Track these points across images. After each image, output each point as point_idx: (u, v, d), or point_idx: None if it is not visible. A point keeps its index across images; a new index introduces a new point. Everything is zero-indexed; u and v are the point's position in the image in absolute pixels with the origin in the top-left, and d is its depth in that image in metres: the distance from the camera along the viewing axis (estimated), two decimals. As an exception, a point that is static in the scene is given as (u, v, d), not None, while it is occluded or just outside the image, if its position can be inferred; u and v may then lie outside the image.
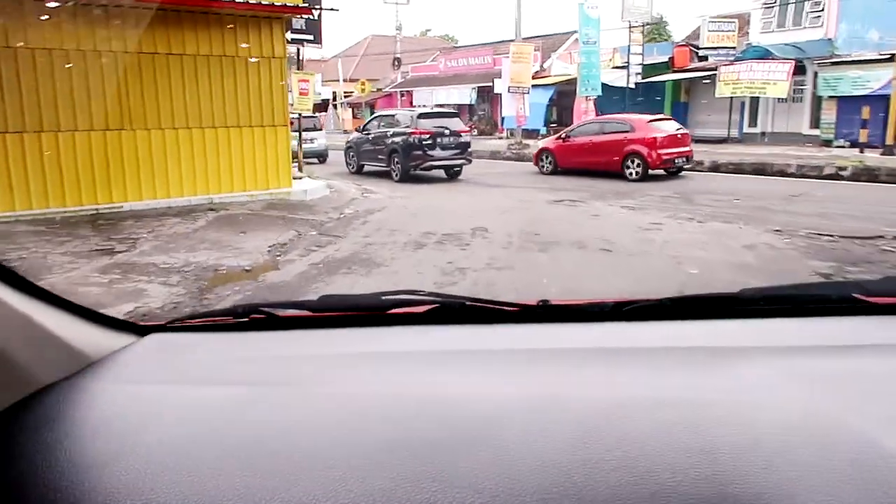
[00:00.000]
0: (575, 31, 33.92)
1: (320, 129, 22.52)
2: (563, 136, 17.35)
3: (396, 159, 16.03)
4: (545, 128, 30.86)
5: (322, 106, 45.67)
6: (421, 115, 16.35)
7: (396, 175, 16.08)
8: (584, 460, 0.74)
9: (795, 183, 14.37)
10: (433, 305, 1.24)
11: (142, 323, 1.28)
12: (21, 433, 0.86)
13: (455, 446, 0.79)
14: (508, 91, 20.96)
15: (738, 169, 16.14)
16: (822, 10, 23.55)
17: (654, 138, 15.14)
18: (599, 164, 15.77)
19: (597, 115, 19.96)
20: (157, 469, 0.78)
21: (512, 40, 22.09)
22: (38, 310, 1.02)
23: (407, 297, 1.28)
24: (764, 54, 23.89)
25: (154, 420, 0.90)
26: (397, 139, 15.92)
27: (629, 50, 25.18)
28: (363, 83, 31.98)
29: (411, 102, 40.17)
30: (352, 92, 47.76)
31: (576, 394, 0.91)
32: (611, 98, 23.89)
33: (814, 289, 1.45)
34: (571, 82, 29.73)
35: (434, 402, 0.91)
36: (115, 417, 0.92)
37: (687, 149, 15.76)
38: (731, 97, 25.02)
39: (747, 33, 26.10)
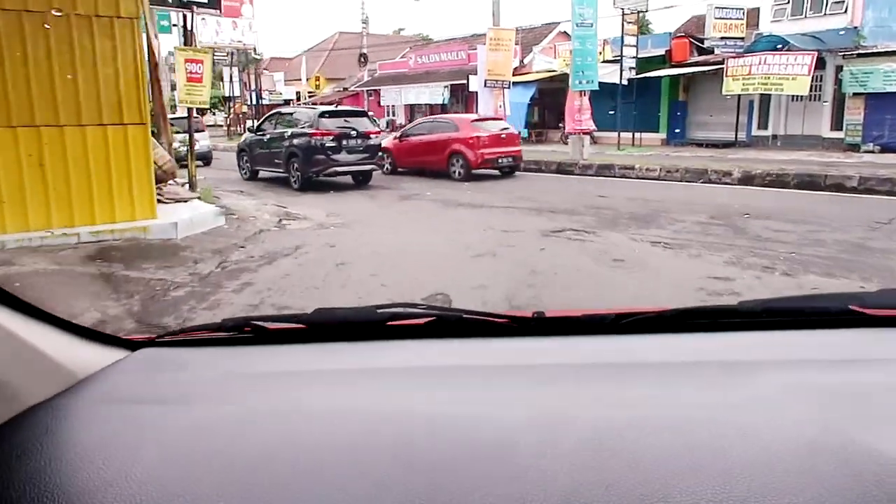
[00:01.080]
0: (559, 23, 30.50)
1: (202, 131, 20.74)
2: (400, 135, 16.75)
3: (295, 164, 13.70)
4: (526, 130, 27.18)
5: (282, 106, 41.86)
6: (323, 114, 13.92)
7: (296, 182, 13.76)
8: (599, 482, 0.73)
9: (863, 201, 10.79)
10: (429, 318, 1.20)
11: (131, 337, 1.23)
12: (6, 457, 0.82)
13: (464, 468, 0.77)
14: (485, 86, 17.19)
15: (779, 181, 12.50)
16: (846, -6, 20.18)
17: (477, 138, 14.94)
18: (428, 164, 15.42)
19: (592, 113, 16.26)
20: (152, 496, 0.75)
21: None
22: (22, 325, 0.99)
23: (402, 311, 1.23)
24: (779, 45, 20.41)
25: (147, 442, 0.86)
26: (296, 141, 13.63)
27: (622, 41, 21.58)
28: (317, 79, 28.12)
29: (378, 102, 36.34)
30: (316, 92, 43.87)
31: (585, 413, 0.89)
32: (601, 96, 20.18)
33: (812, 301, 1.30)
34: (556, 79, 26.15)
35: (438, 421, 0.88)
36: (105, 440, 0.88)
37: (514, 149, 15.55)
38: (740, 95, 21.56)
39: (755, 25, 22.65)
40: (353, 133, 13.60)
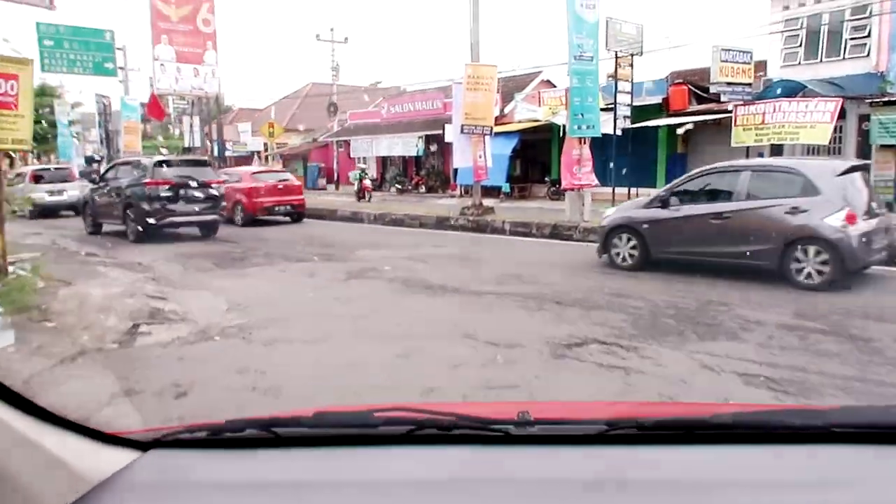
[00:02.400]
0: (541, 70, 27.97)
1: (71, 181, 20.99)
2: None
3: (131, 215, 13.01)
4: (508, 184, 24.23)
5: (247, 158, 38.80)
6: (160, 163, 13.50)
7: (132, 234, 13.04)
8: None
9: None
10: (422, 424, 1.23)
11: (138, 432, 1.24)
12: None
13: None
14: (462, 131, 14.15)
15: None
16: (868, 36, 17.70)
17: (252, 188, 16.39)
18: (225, 212, 15.31)
19: (593, 164, 13.25)
20: None
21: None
22: (33, 427, 1.00)
23: (397, 416, 1.25)
24: (795, 90, 17.78)
25: None
26: (131, 191, 13.01)
27: (616, 87, 18.82)
28: (271, 125, 25.11)
29: (349, 154, 33.39)
30: (286, 143, 40.89)
31: None
32: (592, 147, 17.21)
33: (781, 416, 1.33)
34: (540, 129, 23.35)
35: None
36: None
37: (295, 198, 17.17)
38: (748, 147, 18.83)
39: (762, 70, 20.11)
40: (193, 183, 13.08)
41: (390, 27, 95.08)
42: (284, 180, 17.51)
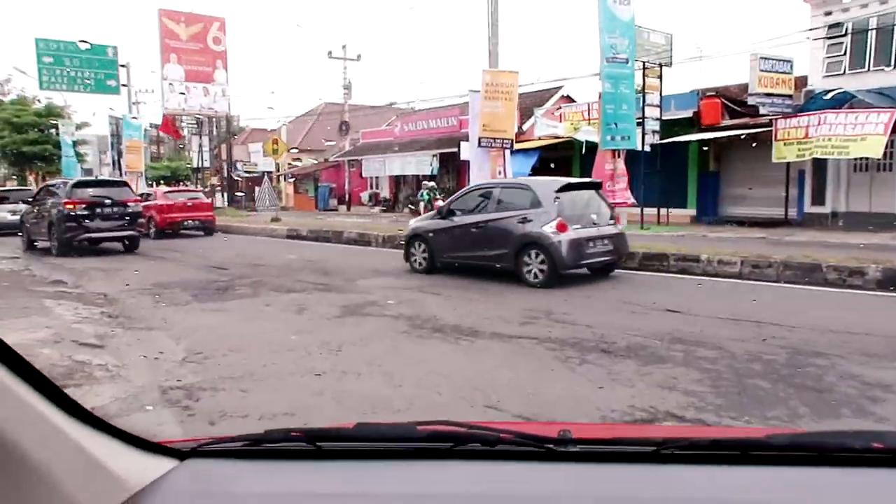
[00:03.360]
0: (562, 86, 26.55)
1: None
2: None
3: (53, 232, 14.38)
4: (527, 204, 22.73)
5: (258, 179, 37.56)
6: (78, 184, 15.17)
7: (54, 249, 14.37)
8: None
9: None
10: (465, 439, 1.18)
11: (175, 442, 1.21)
12: None
13: None
14: (480, 145, 12.66)
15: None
16: (922, 41, 16.10)
17: (162, 205, 18.84)
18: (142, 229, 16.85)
19: (629, 179, 11.68)
20: None
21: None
22: (78, 431, 0.99)
23: (441, 429, 1.20)
24: (841, 102, 16.17)
25: None
26: (52, 210, 14.40)
27: (643, 100, 17.29)
28: (274, 142, 23.77)
29: (360, 173, 32.08)
30: (296, 163, 39.76)
31: None
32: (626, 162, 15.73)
33: (836, 437, 1.23)
34: (561, 146, 21.86)
35: None
36: None
37: (204, 213, 19.64)
38: (789, 163, 17.21)
39: (802, 82, 18.52)
40: (108, 202, 14.37)
41: (405, 45, 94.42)
42: (194, 198, 20.24)
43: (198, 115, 33.93)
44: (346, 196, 32.83)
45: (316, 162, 37.85)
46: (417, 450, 1.18)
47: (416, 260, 10.51)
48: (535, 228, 9.00)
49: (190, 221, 19.05)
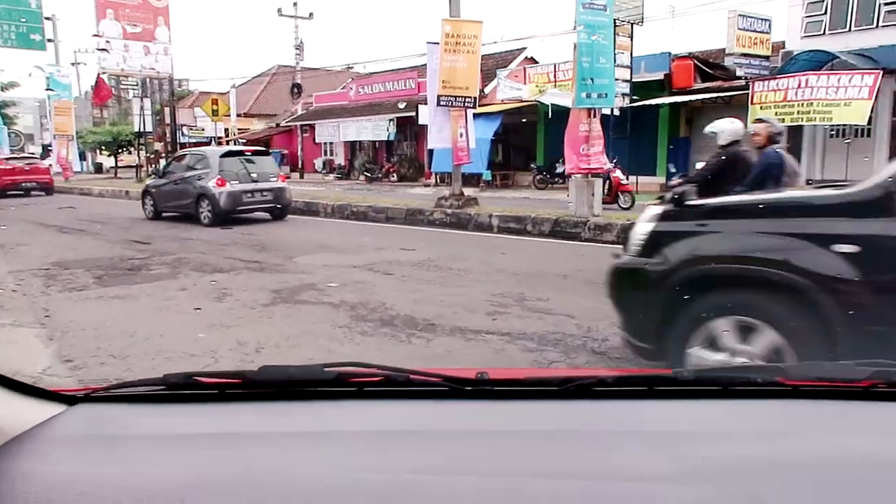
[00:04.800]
0: (525, 48, 25.14)
1: None
2: None
3: None
4: (489, 172, 21.41)
5: (206, 144, 35.35)
6: None
7: None
8: None
9: None
10: (377, 377, 1.15)
11: (67, 390, 1.12)
12: None
13: None
14: (439, 103, 11.24)
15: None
16: (906, 0, 15.14)
17: (3, 169, 22.08)
18: None
19: (605, 142, 10.45)
20: None
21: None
22: None
23: (349, 370, 1.16)
24: (821, 63, 15.19)
25: None
26: None
27: (614, 60, 16.01)
28: (214, 101, 21.93)
29: (314, 139, 30.29)
30: (247, 129, 37.60)
31: (534, 482, 0.87)
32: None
33: (742, 372, 1.36)
34: (525, 110, 20.55)
35: (388, 489, 0.84)
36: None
37: (42, 176, 22.91)
38: (764, 129, 16.23)
39: (779, 43, 17.49)
40: None
41: (361, 3, 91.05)
42: (32, 163, 23.53)
43: (138, 76, 31.38)
44: (299, 163, 31.01)
45: (267, 127, 35.79)
46: (326, 392, 1.13)
47: (147, 209, 14.12)
48: (204, 184, 12.46)
49: (28, 184, 22.21)
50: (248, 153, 13.65)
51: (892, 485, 0.85)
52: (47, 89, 29.71)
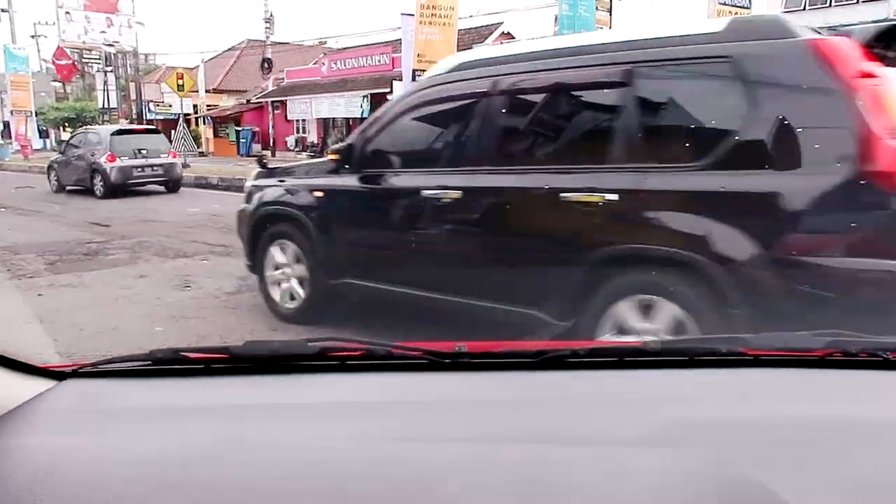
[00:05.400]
0: (501, 22, 24.61)
1: None
2: None
3: None
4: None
5: (175, 122, 34.30)
6: None
7: None
8: None
9: None
10: (358, 352, 1.18)
11: (55, 366, 1.13)
12: None
13: None
14: (414, 79, 10.78)
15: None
16: (886, -25, 14.97)
17: None
18: None
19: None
20: None
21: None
22: None
23: (332, 344, 1.19)
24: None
25: (73, 481, 0.82)
26: None
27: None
28: (179, 76, 21.15)
29: (286, 116, 29.53)
30: (216, 105, 36.59)
31: (510, 449, 0.90)
32: None
33: (706, 343, 1.41)
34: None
35: (369, 457, 0.87)
36: (30, 480, 0.82)
37: None
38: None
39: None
40: None
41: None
42: None
43: (100, 49, 30.20)
44: (271, 141, 30.23)
45: (237, 103, 34.83)
46: (309, 365, 1.16)
47: (52, 183, 15.46)
48: (96, 159, 13.86)
49: None
50: (139, 132, 15.51)
51: (847, 445, 0.89)
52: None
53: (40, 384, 1.05)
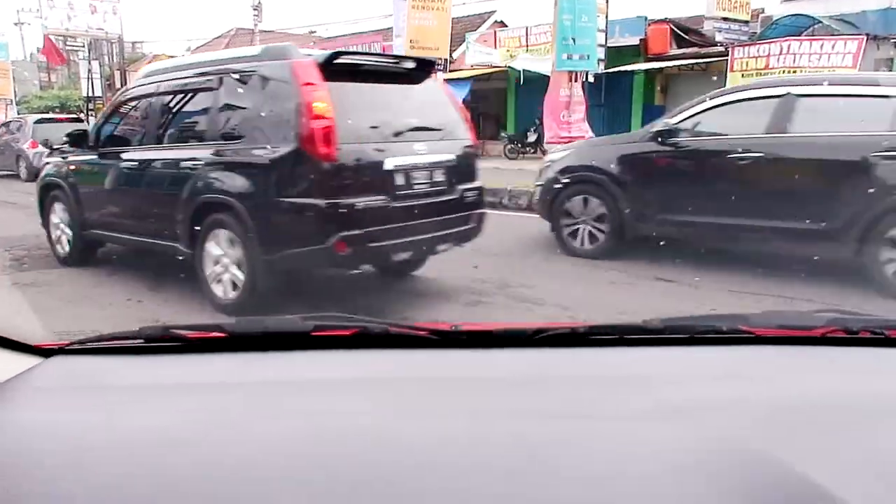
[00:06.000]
0: (494, 10, 24.12)
1: None
2: None
3: None
4: (458, 141, 20.54)
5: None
6: None
7: None
8: (519, 494, 0.73)
9: None
10: (355, 329, 1.16)
11: (43, 344, 1.12)
12: None
13: (387, 480, 0.75)
14: (406, 65, 10.46)
15: None
16: (890, -37, 14.60)
17: None
18: None
19: (586, 106, 9.69)
20: None
21: None
22: None
23: (328, 322, 1.19)
24: (802, 28, 14.63)
25: (62, 457, 0.80)
26: None
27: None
28: (153, 61, 20.56)
29: (274, 106, 28.88)
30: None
31: (504, 424, 0.89)
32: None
33: (707, 320, 1.33)
34: (495, 77, 19.71)
35: (363, 432, 0.86)
36: (13, 455, 0.81)
37: None
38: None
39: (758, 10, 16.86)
40: None
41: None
42: None
43: (85, 37, 29.48)
44: (259, 131, 29.64)
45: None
46: (303, 342, 1.14)
47: None
48: (20, 146, 15.09)
49: None
50: (63, 120, 16.50)
51: (847, 421, 0.88)
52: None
53: (28, 361, 1.04)
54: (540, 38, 18.94)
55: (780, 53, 14.11)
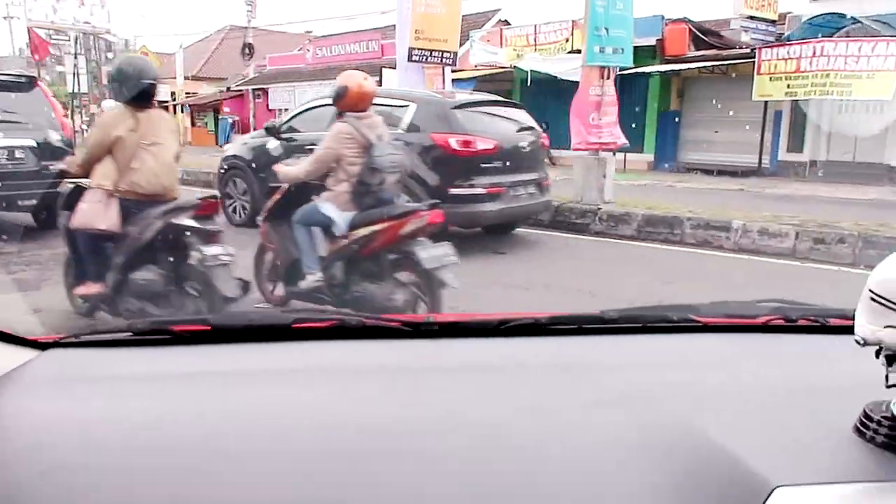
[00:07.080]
0: (499, 9, 22.89)
1: None
2: None
3: None
4: (460, 145, 19.27)
5: (149, 108, 32.13)
6: None
7: None
8: (488, 476, 0.76)
9: None
10: (332, 322, 1.24)
11: (37, 338, 1.14)
12: None
13: (363, 465, 0.78)
14: (410, 58, 9.04)
15: None
16: (931, -41, 13.43)
17: None
18: None
19: (618, 104, 8.39)
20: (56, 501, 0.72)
21: None
22: None
23: (307, 315, 1.28)
24: (836, 29, 13.44)
25: (58, 448, 0.82)
26: None
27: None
28: (144, 55, 19.24)
29: (267, 105, 27.69)
30: (195, 93, 34.63)
31: (473, 410, 0.92)
32: (567, 98, 11.54)
33: (659, 311, 1.42)
34: (500, 77, 18.44)
35: (340, 420, 0.89)
36: (13, 445, 0.83)
37: None
38: (766, 104, 14.50)
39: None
40: None
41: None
42: None
43: (71, 30, 28.10)
44: (251, 131, 28.37)
45: (216, 91, 32.87)
46: (285, 335, 1.19)
47: None
48: None
49: None
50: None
51: (788, 405, 0.92)
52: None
53: (22, 354, 1.06)
54: (549, 36, 17.75)
55: (813, 55, 12.92)
